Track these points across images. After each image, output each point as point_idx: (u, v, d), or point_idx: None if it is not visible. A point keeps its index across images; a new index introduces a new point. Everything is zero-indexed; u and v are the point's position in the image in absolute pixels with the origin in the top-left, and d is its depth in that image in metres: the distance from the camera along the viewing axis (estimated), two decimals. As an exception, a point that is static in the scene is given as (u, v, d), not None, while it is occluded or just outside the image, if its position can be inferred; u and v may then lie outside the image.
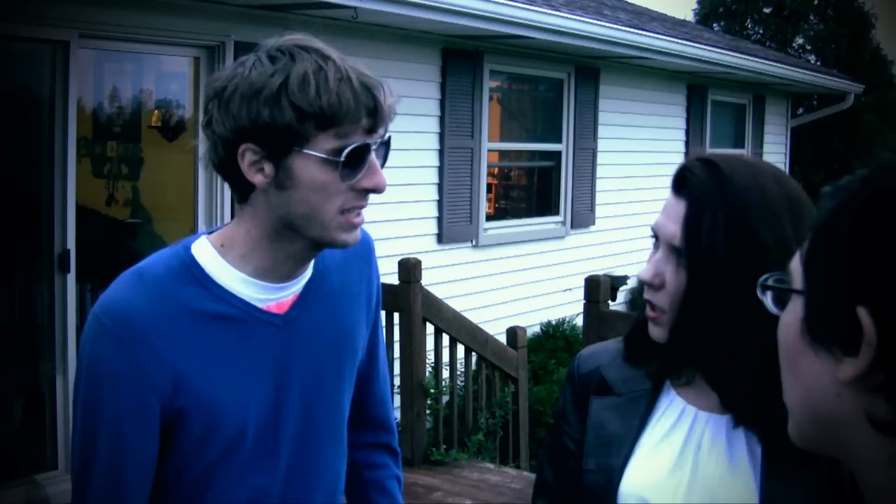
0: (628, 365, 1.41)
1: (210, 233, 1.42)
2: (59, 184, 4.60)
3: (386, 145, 1.35)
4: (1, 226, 4.59)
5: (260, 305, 1.39)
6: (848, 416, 0.72)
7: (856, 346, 0.70)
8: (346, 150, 1.26)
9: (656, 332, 1.32)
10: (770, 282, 0.81)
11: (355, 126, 1.27)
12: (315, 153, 1.27)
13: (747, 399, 1.25)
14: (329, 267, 1.48)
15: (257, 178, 1.30)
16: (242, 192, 1.35)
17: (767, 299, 0.81)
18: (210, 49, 5.28)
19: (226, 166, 1.32)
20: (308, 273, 1.44)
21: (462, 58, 7.09)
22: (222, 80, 1.30)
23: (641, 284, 1.33)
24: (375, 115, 1.28)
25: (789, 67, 10.95)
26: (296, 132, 1.26)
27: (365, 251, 1.56)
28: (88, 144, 5.22)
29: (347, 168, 1.28)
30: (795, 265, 0.78)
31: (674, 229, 1.27)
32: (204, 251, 1.38)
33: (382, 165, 1.35)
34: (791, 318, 0.77)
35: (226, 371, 1.35)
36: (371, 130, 1.29)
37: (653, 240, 1.32)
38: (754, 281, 0.82)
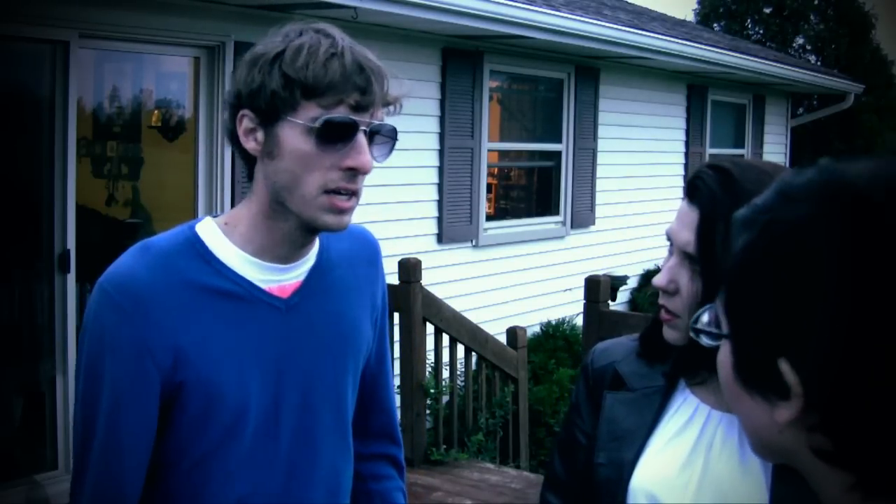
0: (643, 361, 1.42)
1: (217, 216, 1.44)
2: (59, 184, 4.59)
3: (390, 136, 1.35)
4: (1, 226, 4.59)
5: (262, 286, 1.39)
6: (794, 448, 0.71)
7: (786, 393, 0.68)
8: (323, 118, 1.28)
9: (671, 335, 1.34)
10: (702, 323, 0.79)
11: (339, 99, 1.28)
12: (298, 121, 1.29)
13: None
14: (333, 262, 1.48)
15: (250, 145, 1.34)
16: (248, 166, 1.39)
17: (702, 338, 0.79)
18: (210, 49, 5.28)
19: (233, 136, 1.36)
20: (310, 261, 1.45)
21: (462, 58, 7.09)
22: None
23: (648, 286, 1.34)
24: (365, 94, 1.29)
25: (789, 67, 10.95)
26: (283, 99, 1.29)
27: (371, 254, 1.57)
28: (88, 144, 5.21)
29: (328, 141, 1.29)
30: (720, 305, 0.76)
31: (687, 237, 1.29)
32: (208, 230, 1.39)
33: (386, 155, 1.35)
34: (724, 358, 0.76)
35: (226, 348, 1.35)
36: (359, 108, 1.30)
37: (668, 244, 1.34)
38: None
